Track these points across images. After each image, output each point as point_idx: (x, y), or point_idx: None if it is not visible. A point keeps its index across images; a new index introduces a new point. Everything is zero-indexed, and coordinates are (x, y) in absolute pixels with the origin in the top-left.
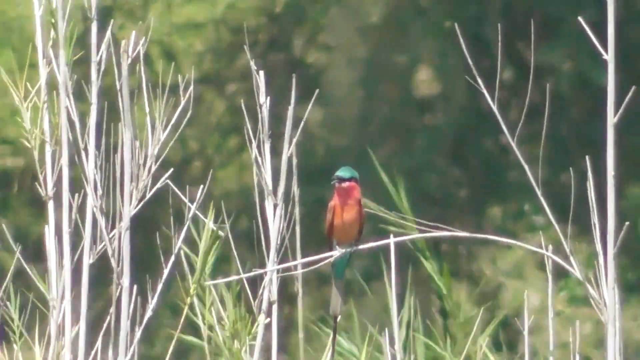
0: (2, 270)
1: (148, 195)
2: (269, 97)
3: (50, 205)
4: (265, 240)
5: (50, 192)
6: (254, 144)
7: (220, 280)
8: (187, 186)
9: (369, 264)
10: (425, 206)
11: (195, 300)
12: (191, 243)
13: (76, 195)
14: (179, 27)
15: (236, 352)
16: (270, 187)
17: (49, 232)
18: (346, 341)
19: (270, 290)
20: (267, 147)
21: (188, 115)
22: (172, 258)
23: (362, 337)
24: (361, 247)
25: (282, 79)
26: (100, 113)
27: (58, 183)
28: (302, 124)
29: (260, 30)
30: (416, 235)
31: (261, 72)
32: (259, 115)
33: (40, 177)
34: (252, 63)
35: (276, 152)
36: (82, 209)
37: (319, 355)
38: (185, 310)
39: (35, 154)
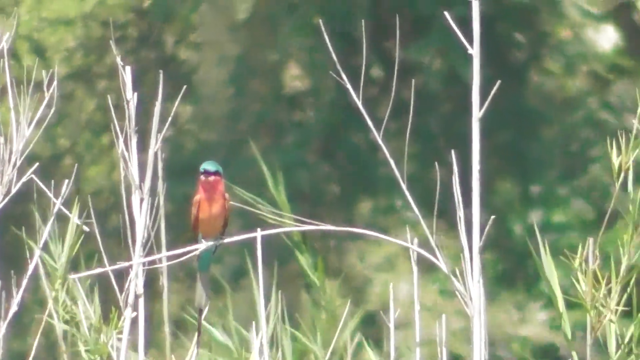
0: None
1: (13, 190)
2: (135, 93)
3: None
4: (132, 235)
5: None
6: (121, 139)
7: (85, 273)
8: (56, 183)
9: (240, 260)
10: (296, 202)
11: (64, 295)
12: (58, 239)
13: None
14: (49, 22)
15: (102, 346)
16: (137, 182)
17: None
18: (221, 335)
19: (136, 283)
20: (134, 142)
21: (52, 111)
22: (37, 253)
23: (238, 331)
24: (226, 240)
25: (153, 76)
26: None
27: None
28: (169, 119)
29: (130, 27)
30: (283, 229)
31: (127, 68)
32: (126, 111)
33: None
34: (118, 59)
35: (146, 148)
36: None
37: (188, 350)
38: (49, 306)
39: None
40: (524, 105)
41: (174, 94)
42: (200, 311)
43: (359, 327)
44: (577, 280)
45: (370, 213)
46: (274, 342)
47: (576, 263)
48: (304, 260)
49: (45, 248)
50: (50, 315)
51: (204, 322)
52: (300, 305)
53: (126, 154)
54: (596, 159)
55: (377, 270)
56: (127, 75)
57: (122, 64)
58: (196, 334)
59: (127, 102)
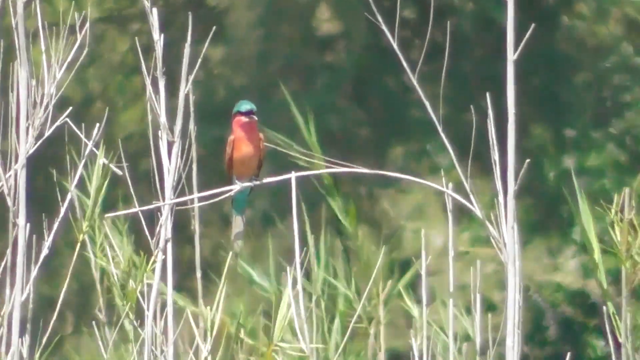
0: None
1: (47, 133)
2: (163, 35)
3: None
4: (160, 179)
5: None
6: (149, 82)
7: (117, 213)
8: (87, 127)
9: (269, 206)
10: (327, 147)
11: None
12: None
13: None
14: None
15: (131, 292)
16: (165, 124)
17: None
18: (259, 276)
19: (166, 226)
20: (162, 84)
21: (84, 53)
22: (69, 197)
23: (277, 274)
24: (262, 181)
25: (183, 19)
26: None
27: None
28: (199, 61)
29: None
30: (318, 171)
31: (154, 10)
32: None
33: None
34: (145, 1)
35: (177, 92)
36: None
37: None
38: (77, 248)
39: None
40: (556, 50)
41: (205, 37)
42: (235, 255)
43: (394, 273)
44: (613, 230)
45: (402, 158)
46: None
47: (612, 212)
48: (336, 205)
49: (79, 191)
50: (81, 257)
51: (242, 264)
52: (333, 252)
53: (154, 96)
54: (631, 104)
55: (409, 217)
56: (154, 17)
57: (149, 5)
58: (226, 269)
59: (155, 43)
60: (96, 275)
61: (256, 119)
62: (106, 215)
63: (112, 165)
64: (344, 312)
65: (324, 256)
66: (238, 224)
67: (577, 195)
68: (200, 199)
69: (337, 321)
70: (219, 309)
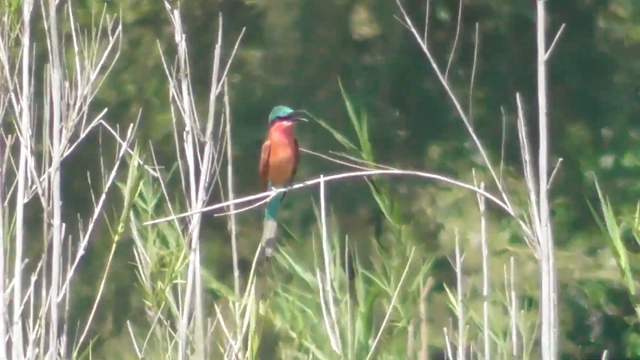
0: None
1: (82, 135)
2: (184, 35)
3: None
4: (185, 182)
5: None
6: (172, 83)
7: (153, 222)
8: (122, 129)
9: (309, 205)
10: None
11: (137, 239)
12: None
13: (9, 135)
14: None
15: (159, 293)
16: (194, 124)
17: None
18: (302, 270)
19: (197, 229)
20: (185, 84)
21: (117, 56)
22: (102, 197)
23: (302, 280)
24: (296, 186)
25: (220, 21)
26: (36, 57)
27: None
28: (229, 61)
29: None
30: (347, 174)
31: (176, 12)
32: (177, 54)
33: None
34: (166, 2)
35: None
36: (18, 152)
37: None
38: (112, 249)
39: None
40: (592, 50)
41: (243, 40)
42: (267, 259)
43: (432, 271)
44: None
45: (439, 158)
46: (343, 286)
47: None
48: (381, 202)
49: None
50: (119, 257)
51: (288, 258)
52: (371, 251)
53: (177, 96)
54: None
55: (447, 216)
56: (176, 19)
57: (169, 7)
58: (255, 275)
59: (177, 45)
60: (146, 272)
61: (293, 123)
62: (144, 223)
63: (147, 167)
64: (380, 310)
65: (356, 254)
66: (270, 229)
67: (603, 209)
68: (236, 206)
69: (359, 321)
70: (253, 303)
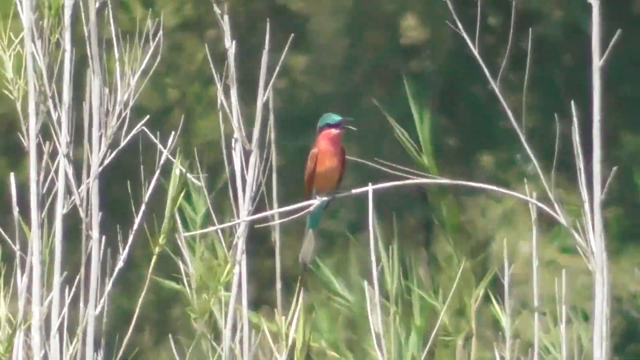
0: None
1: (123, 142)
2: (234, 41)
3: (33, 155)
4: (233, 191)
5: (34, 143)
6: (220, 89)
7: (195, 232)
8: (161, 134)
9: (356, 214)
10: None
11: (183, 250)
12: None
13: (47, 143)
14: None
15: (204, 305)
16: (241, 131)
17: (15, 181)
18: (341, 287)
19: (243, 239)
20: (234, 90)
21: (157, 60)
22: (142, 207)
23: (359, 285)
24: (341, 194)
25: (265, 27)
26: (75, 63)
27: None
28: (277, 68)
29: None
30: (394, 183)
31: (226, 17)
32: (227, 60)
33: (23, 128)
34: (216, 7)
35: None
36: (55, 158)
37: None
38: (153, 261)
39: (18, 105)
40: None
41: (288, 46)
42: (305, 266)
43: (485, 284)
44: None
45: (489, 167)
46: (394, 297)
47: None
48: (443, 209)
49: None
50: (160, 269)
51: (326, 273)
52: (419, 262)
53: (225, 102)
54: None
55: (497, 226)
56: (225, 24)
57: (219, 12)
58: (297, 287)
59: (226, 50)
60: (192, 284)
61: (342, 132)
62: (184, 234)
63: (190, 175)
64: (425, 324)
65: (400, 267)
66: (311, 238)
67: None
68: (281, 215)
69: (413, 335)
70: (298, 322)
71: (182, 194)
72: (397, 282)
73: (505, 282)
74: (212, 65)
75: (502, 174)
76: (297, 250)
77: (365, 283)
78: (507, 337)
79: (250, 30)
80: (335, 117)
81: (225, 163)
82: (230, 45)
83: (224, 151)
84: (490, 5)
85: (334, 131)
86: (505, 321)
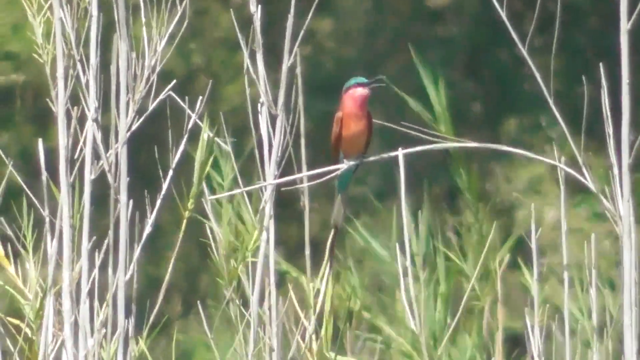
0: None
1: (150, 107)
2: (260, 6)
3: (61, 119)
4: (259, 155)
5: (62, 107)
6: (246, 54)
7: (220, 195)
8: (190, 101)
9: (384, 179)
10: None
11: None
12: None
13: (75, 108)
14: None
15: (232, 271)
16: (268, 96)
17: (43, 146)
18: (377, 244)
19: (270, 203)
20: (259, 55)
21: (185, 25)
22: (170, 172)
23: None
24: (369, 159)
25: None
26: (102, 28)
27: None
28: (302, 32)
29: None
30: (426, 147)
31: None
32: (252, 25)
33: (53, 93)
34: None
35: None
36: (84, 124)
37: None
38: (183, 226)
39: (47, 69)
40: None
41: (314, 10)
42: (336, 228)
43: (509, 249)
44: None
45: (515, 131)
46: (425, 261)
47: None
48: (462, 178)
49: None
50: (189, 236)
51: (363, 233)
52: (446, 228)
53: (251, 67)
54: None
55: (523, 192)
56: None
57: None
58: (328, 249)
59: (252, 15)
60: (219, 250)
61: (369, 92)
62: (209, 197)
63: (218, 139)
64: (450, 289)
65: (429, 231)
66: (341, 202)
67: None
68: (309, 178)
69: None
70: (328, 282)
71: (210, 159)
72: (425, 248)
73: (533, 245)
74: (238, 31)
75: (527, 138)
76: (324, 215)
77: (397, 247)
78: (535, 302)
79: None
80: (363, 79)
81: (252, 128)
82: (255, 10)
83: (251, 116)
84: None
85: (360, 90)
86: (533, 286)
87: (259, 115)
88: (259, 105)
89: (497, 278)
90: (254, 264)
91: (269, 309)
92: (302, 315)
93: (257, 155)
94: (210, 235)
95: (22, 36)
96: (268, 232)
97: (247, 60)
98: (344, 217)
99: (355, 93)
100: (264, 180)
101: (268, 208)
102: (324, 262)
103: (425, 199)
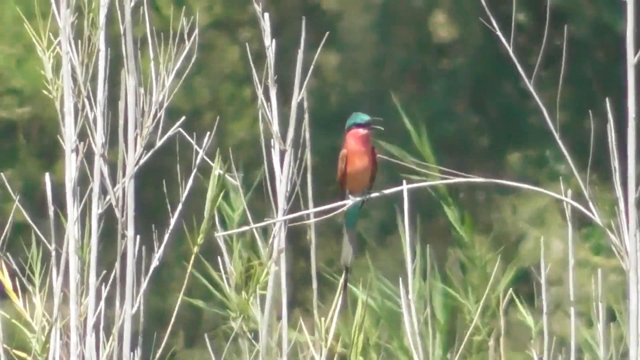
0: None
1: (158, 143)
2: (274, 40)
3: (73, 156)
4: (272, 189)
5: (73, 144)
6: (260, 89)
7: (232, 232)
8: (197, 137)
9: (384, 216)
10: (443, 153)
11: (223, 248)
12: (202, 194)
13: (82, 142)
14: None
15: (243, 304)
16: (277, 133)
17: (50, 182)
18: (361, 292)
19: (279, 238)
20: (273, 92)
21: (193, 60)
22: (179, 207)
23: (380, 289)
24: (374, 195)
25: (295, 26)
26: (111, 63)
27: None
28: (311, 67)
29: None
30: (430, 182)
31: (266, 15)
32: (266, 60)
33: (62, 128)
34: (255, 5)
35: (289, 100)
36: (92, 159)
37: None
38: (191, 261)
39: (57, 104)
40: None
41: (317, 43)
42: (347, 269)
43: (512, 283)
44: None
45: (520, 165)
46: (421, 298)
47: None
48: (450, 214)
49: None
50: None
51: (371, 267)
52: (449, 260)
53: (265, 103)
54: None
55: (528, 225)
56: (265, 22)
57: (260, 10)
58: (341, 290)
59: (266, 49)
60: (230, 283)
61: (371, 131)
62: (219, 233)
63: (228, 175)
64: (447, 321)
65: (430, 267)
66: (349, 238)
67: None
68: (316, 214)
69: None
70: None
71: (220, 195)
72: (423, 283)
73: (543, 279)
74: (252, 65)
75: (532, 172)
76: (330, 251)
77: (400, 281)
78: (545, 336)
79: (279, 31)
80: (364, 117)
81: (265, 163)
82: (270, 44)
83: (264, 151)
84: (518, 3)
85: (361, 131)
86: (534, 321)
87: (272, 150)
88: (272, 140)
89: (499, 312)
90: (262, 296)
91: (279, 341)
92: (312, 349)
93: (265, 190)
94: (222, 268)
95: (27, 70)
96: (280, 265)
97: (261, 97)
98: (354, 254)
99: (357, 133)
100: (276, 214)
101: (277, 243)
102: (336, 298)
103: (419, 234)
